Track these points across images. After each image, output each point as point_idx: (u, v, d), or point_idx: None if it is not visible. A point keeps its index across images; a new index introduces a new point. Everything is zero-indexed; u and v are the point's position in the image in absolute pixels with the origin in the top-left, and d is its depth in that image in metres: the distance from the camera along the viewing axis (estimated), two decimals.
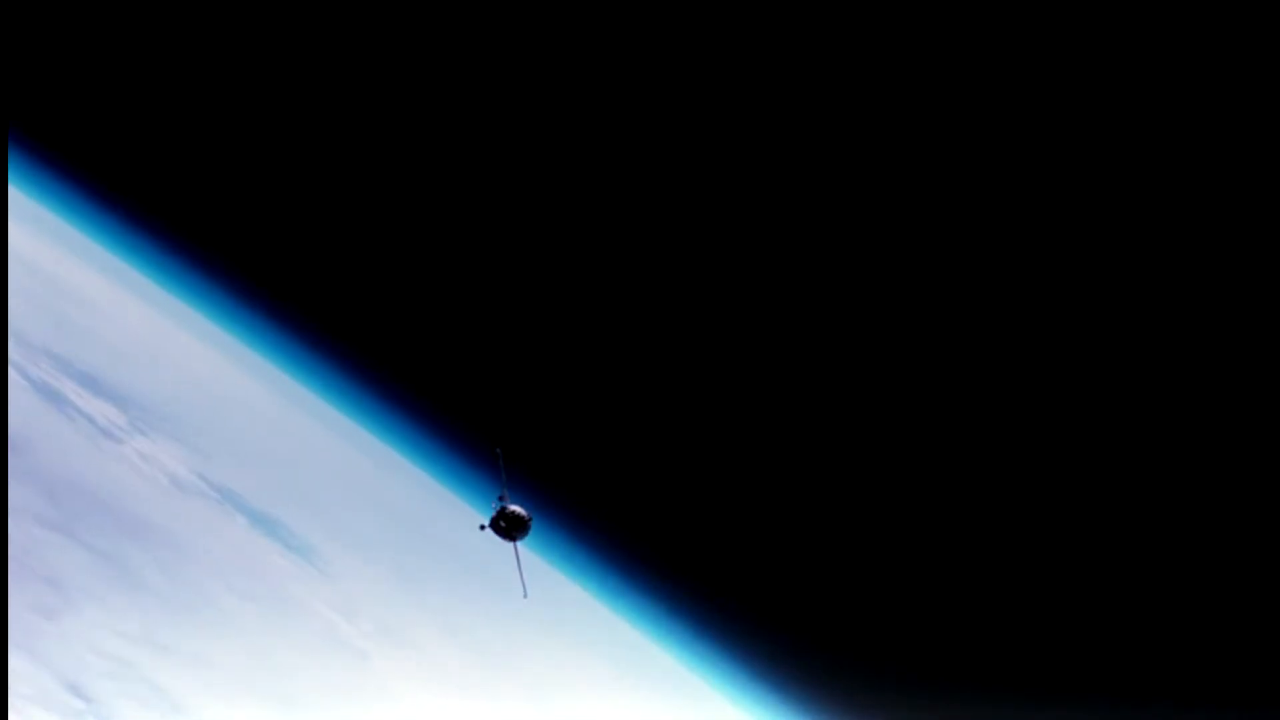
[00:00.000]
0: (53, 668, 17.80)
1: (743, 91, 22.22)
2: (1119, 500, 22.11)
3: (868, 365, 23.18)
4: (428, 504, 29.95)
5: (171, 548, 23.00)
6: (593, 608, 28.98)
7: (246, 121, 25.84)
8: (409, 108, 24.56)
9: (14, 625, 17.94)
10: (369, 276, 27.45)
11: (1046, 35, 20.30)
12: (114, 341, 29.48)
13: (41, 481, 21.83)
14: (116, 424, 26.11)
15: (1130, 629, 22.26)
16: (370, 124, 25.12)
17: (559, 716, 26.03)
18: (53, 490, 21.82)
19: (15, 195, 27.77)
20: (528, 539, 14.95)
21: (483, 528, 15.54)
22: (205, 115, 26.03)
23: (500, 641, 27.48)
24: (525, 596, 16.01)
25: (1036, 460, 22.43)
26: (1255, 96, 19.21)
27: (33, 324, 27.09)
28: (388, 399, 29.44)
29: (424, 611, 28.07)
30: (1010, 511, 22.79)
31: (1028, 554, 22.73)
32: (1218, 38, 19.17)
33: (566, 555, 28.08)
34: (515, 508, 15.51)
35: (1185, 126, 19.91)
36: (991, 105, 20.91)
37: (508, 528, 15.51)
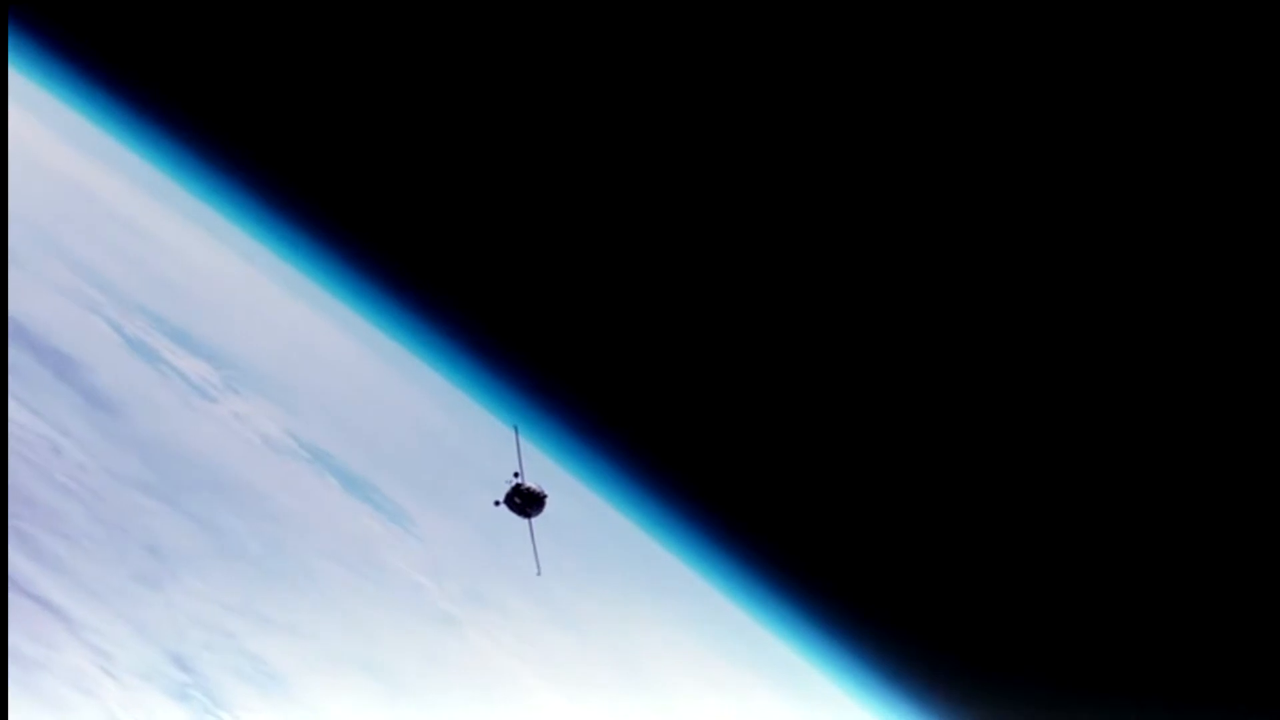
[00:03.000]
0: (156, 640, 17.71)
1: (780, 91, 21.95)
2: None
3: (1011, 369, 22.62)
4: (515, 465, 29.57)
5: (267, 513, 22.88)
6: (714, 600, 28.70)
7: (348, 74, 25.38)
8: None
9: (119, 596, 17.89)
10: (461, 229, 27.04)
11: (1048, 35, 19.91)
12: (206, 296, 29.36)
13: (140, 445, 21.76)
14: (210, 382, 26.00)
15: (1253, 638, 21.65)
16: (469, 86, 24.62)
17: (658, 698, 25.81)
18: (151, 454, 21.73)
19: (112, 145, 27.64)
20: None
21: (497, 503, 15.42)
22: (304, 60, 25.59)
23: (596, 613, 27.27)
24: (539, 574, 15.91)
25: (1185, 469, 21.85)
26: (1255, 96, 18.90)
27: (126, 279, 27.05)
28: (483, 359, 29.09)
29: (510, 575, 27.88)
30: (1157, 524, 22.21)
31: (1176, 564, 22.14)
32: (1217, 38, 18.81)
33: (690, 544, 27.74)
34: (530, 484, 15.36)
35: (1185, 127, 19.61)
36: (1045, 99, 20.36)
37: (522, 504, 15.40)
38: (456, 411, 30.32)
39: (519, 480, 15.43)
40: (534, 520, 15.83)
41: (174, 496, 21.02)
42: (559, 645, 26.45)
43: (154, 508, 20.32)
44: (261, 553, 21.66)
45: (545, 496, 15.51)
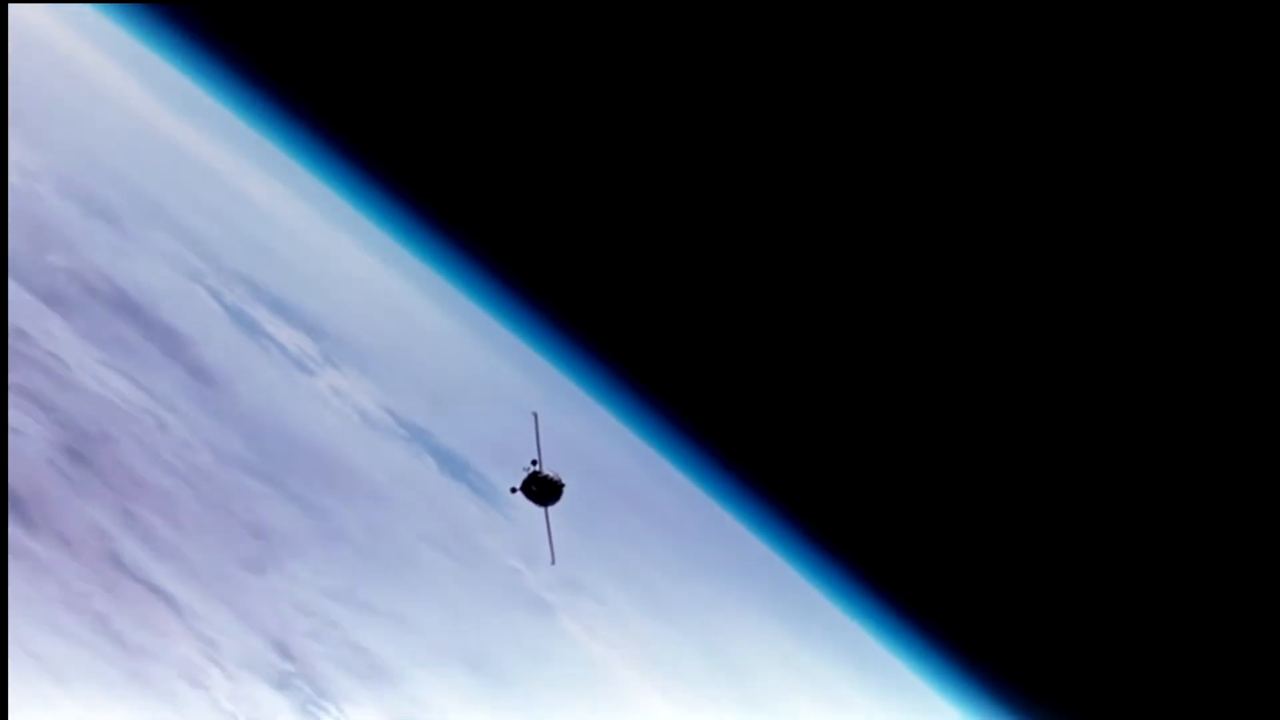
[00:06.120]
0: (261, 627, 17.39)
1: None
2: None
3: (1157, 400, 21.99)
4: (617, 451, 29.18)
5: (367, 494, 22.58)
6: (822, 608, 28.16)
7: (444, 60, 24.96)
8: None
9: (225, 582, 17.60)
10: (566, 219, 26.61)
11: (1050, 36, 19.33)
12: (306, 267, 29.11)
13: (242, 422, 21.47)
14: (309, 354, 25.73)
15: None
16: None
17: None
18: (253, 431, 21.45)
19: (223, 113, 27.40)
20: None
21: (514, 490, 14.82)
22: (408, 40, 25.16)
23: (689, 604, 26.84)
24: (553, 563, 15.35)
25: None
26: (1255, 97, 18.17)
27: (228, 247, 26.83)
28: (578, 341, 28.63)
29: (603, 562, 27.53)
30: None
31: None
32: (1217, 38, 18.06)
33: (797, 549, 27.17)
34: (548, 472, 14.70)
35: (1185, 127, 18.91)
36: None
37: (539, 492, 14.74)
38: (555, 394, 29.92)
39: (536, 468, 14.76)
40: (550, 508, 15.19)
41: (276, 476, 20.72)
42: (653, 635, 26.05)
43: (257, 489, 20.03)
44: (362, 536, 21.34)
45: (563, 485, 14.86)
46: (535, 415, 14.89)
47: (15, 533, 15.26)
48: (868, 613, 28.14)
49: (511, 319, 29.98)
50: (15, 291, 19.00)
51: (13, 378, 17.37)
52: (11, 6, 17.79)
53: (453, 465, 26.09)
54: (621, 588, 26.88)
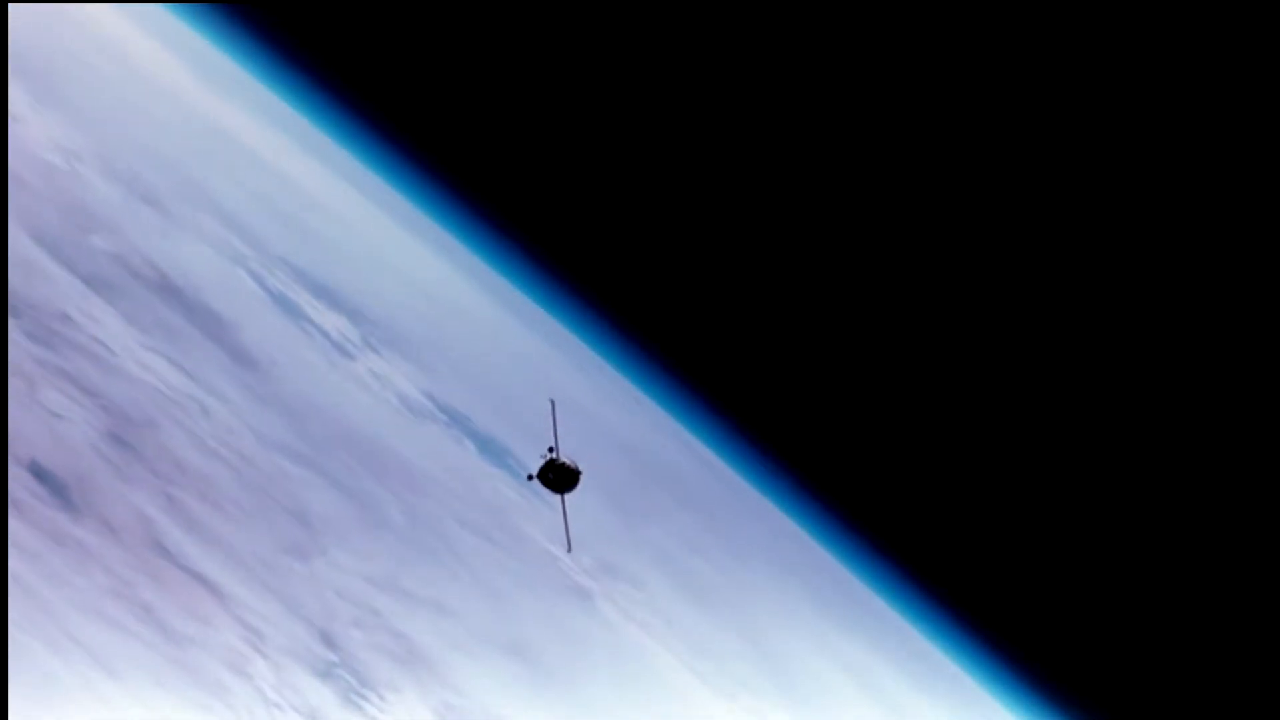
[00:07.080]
0: (304, 615, 17.35)
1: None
2: None
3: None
4: (667, 443, 28.96)
5: (408, 480, 22.53)
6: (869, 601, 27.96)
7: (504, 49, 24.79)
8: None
9: (269, 569, 17.56)
10: (604, 202, 26.42)
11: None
12: (349, 251, 29.05)
13: (284, 406, 21.45)
14: (350, 339, 25.73)
15: None
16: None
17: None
18: (295, 416, 21.43)
19: (269, 98, 27.34)
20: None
21: (530, 478, 14.67)
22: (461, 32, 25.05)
23: (727, 588, 26.71)
24: (570, 551, 15.24)
25: None
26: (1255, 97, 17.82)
27: (272, 231, 26.82)
28: (625, 329, 28.47)
29: (642, 548, 27.46)
30: None
31: None
32: (1217, 39, 17.70)
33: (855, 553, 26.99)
34: (565, 460, 14.51)
35: (1185, 127, 18.54)
36: None
37: (555, 480, 14.56)
38: (602, 384, 29.80)
39: (554, 455, 14.59)
40: (566, 496, 15.01)
41: (318, 462, 20.69)
42: (692, 621, 25.98)
43: (299, 474, 19.99)
44: (403, 522, 21.29)
45: (580, 473, 14.68)
46: (552, 403, 14.79)
47: (60, 518, 15.26)
48: (913, 605, 27.95)
49: (563, 310, 29.89)
50: (60, 275, 19.00)
51: (57, 362, 17.38)
52: None
53: (492, 450, 26.06)
54: (663, 575, 26.83)
